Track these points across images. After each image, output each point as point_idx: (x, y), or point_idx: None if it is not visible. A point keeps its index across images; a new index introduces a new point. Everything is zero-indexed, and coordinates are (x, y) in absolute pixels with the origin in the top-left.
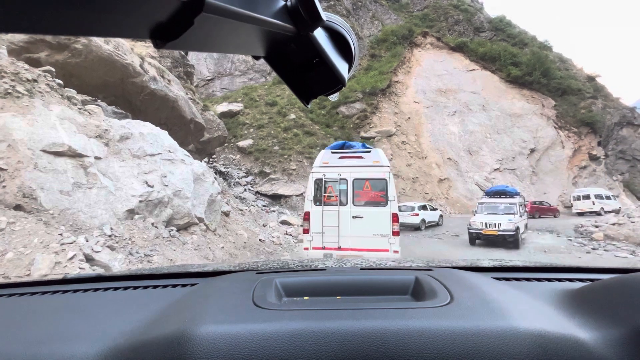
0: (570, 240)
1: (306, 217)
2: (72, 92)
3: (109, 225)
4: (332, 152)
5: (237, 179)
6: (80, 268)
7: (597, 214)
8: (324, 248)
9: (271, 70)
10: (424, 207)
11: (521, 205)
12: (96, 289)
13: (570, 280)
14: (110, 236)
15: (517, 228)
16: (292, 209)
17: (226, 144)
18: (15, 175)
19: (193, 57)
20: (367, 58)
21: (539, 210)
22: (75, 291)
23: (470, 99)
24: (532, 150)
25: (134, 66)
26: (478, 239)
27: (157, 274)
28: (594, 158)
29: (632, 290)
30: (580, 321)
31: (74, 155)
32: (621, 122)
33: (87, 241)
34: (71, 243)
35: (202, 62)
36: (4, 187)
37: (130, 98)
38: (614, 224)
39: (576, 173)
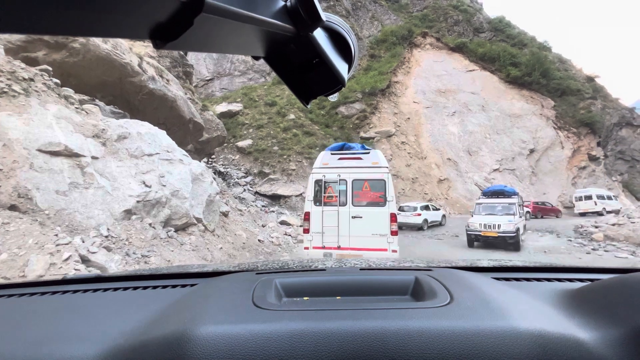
0: (570, 240)
1: (306, 217)
2: (69, 91)
3: (106, 225)
4: (332, 154)
5: (236, 179)
6: (75, 269)
7: (599, 214)
8: (324, 247)
9: (271, 71)
10: (426, 207)
11: (520, 206)
12: (96, 290)
13: (570, 280)
14: (106, 237)
15: (518, 229)
16: (292, 209)
17: (225, 144)
18: (10, 175)
19: (192, 57)
20: (366, 58)
21: (541, 210)
22: (74, 292)
23: (470, 99)
24: (532, 151)
25: (133, 65)
26: (477, 240)
27: (156, 275)
28: (593, 158)
29: (631, 290)
30: (580, 321)
31: (71, 155)
32: (620, 122)
33: (83, 242)
34: (67, 244)
35: (201, 62)
36: None
37: (129, 98)
38: (613, 225)
39: (575, 173)
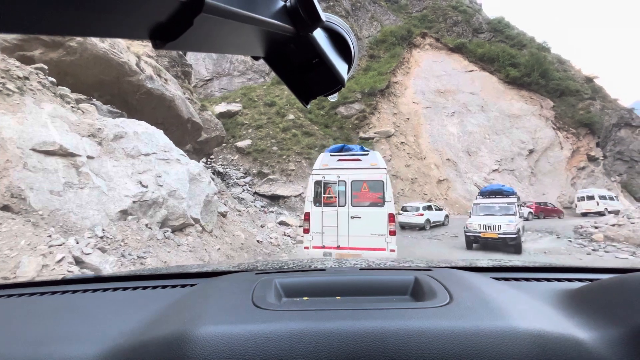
0: (570, 241)
1: (306, 217)
2: (65, 90)
3: (101, 226)
4: (331, 155)
5: (235, 180)
6: (68, 271)
7: (601, 214)
8: (323, 247)
9: (270, 71)
10: (429, 208)
11: (519, 206)
12: (95, 290)
13: (570, 280)
14: (102, 238)
15: (519, 230)
16: (291, 210)
17: (224, 145)
18: (3, 175)
19: (191, 57)
20: (366, 59)
21: (543, 211)
22: (74, 292)
23: (469, 99)
24: (531, 151)
25: (130, 65)
26: (476, 242)
27: (156, 275)
28: (592, 159)
29: (631, 290)
30: (579, 321)
31: (66, 154)
32: (619, 123)
33: (77, 243)
34: (60, 245)
35: (200, 62)
36: None
37: (127, 97)
38: (613, 225)
39: (574, 174)
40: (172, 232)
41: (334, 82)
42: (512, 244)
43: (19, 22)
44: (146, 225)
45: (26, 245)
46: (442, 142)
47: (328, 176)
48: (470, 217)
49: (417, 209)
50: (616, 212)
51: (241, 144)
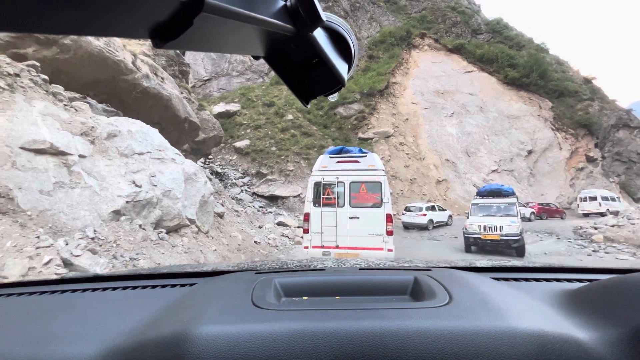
0: (570, 242)
1: (306, 217)
2: (58, 88)
3: (93, 227)
4: (331, 157)
5: (233, 180)
6: (56, 274)
7: (602, 215)
8: (322, 247)
9: (269, 71)
10: (432, 208)
11: (519, 206)
12: (95, 289)
13: (569, 280)
14: (93, 239)
15: (522, 232)
16: (290, 210)
17: (223, 145)
18: None
19: (190, 57)
20: (365, 59)
21: (546, 211)
22: (73, 291)
23: (468, 100)
24: (530, 152)
25: (126, 63)
26: (475, 244)
27: (155, 274)
28: (591, 160)
29: (630, 291)
30: (579, 321)
31: (56, 153)
32: (617, 124)
33: (66, 244)
34: (48, 246)
35: (199, 62)
36: None
37: (122, 96)
38: (613, 226)
39: (573, 175)
40: (167, 233)
41: (334, 82)
42: (514, 246)
43: (20, 21)
44: (140, 226)
45: (12, 247)
46: (441, 143)
47: (327, 177)
48: (468, 218)
49: (420, 209)
50: (615, 213)
51: (240, 144)
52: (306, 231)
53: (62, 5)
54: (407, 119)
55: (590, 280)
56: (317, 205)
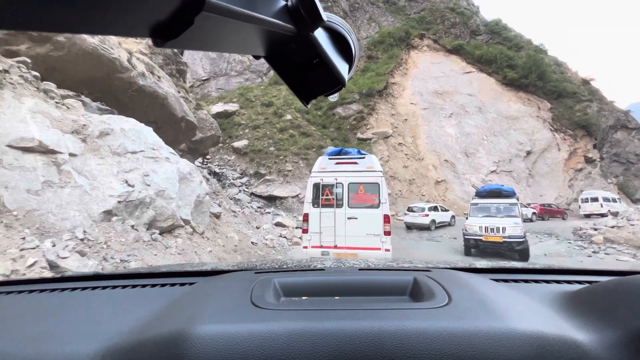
0: (570, 243)
1: (305, 218)
2: (50, 85)
3: (82, 228)
4: (330, 158)
5: (231, 180)
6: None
7: (603, 216)
8: (321, 247)
9: (267, 71)
10: (434, 208)
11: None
12: (94, 288)
13: (569, 282)
14: (82, 240)
15: (526, 233)
16: (288, 211)
17: (221, 145)
18: None
19: (188, 57)
20: (364, 59)
21: (548, 212)
22: (73, 289)
23: (467, 101)
24: (529, 153)
25: (121, 61)
26: (476, 247)
27: (155, 273)
28: (589, 161)
29: (630, 293)
30: (578, 323)
31: (46, 151)
32: (615, 125)
33: (53, 246)
34: (33, 248)
35: (197, 62)
36: None
37: (118, 94)
38: (612, 227)
39: (572, 175)
40: (160, 233)
41: (335, 82)
42: (518, 249)
43: (20, 20)
44: (132, 226)
45: None
46: (440, 143)
47: (326, 179)
48: (467, 219)
49: (423, 209)
50: (615, 214)
51: (238, 144)
52: (305, 231)
53: (63, 4)
54: (406, 120)
55: (590, 282)
56: (316, 206)
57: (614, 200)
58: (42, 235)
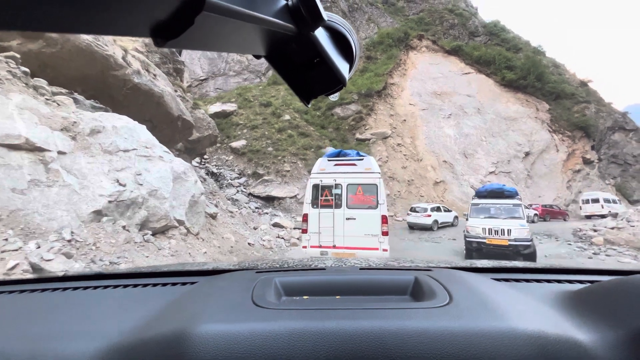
0: (570, 244)
1: (305, 218)
2: (41, 81)
3: (70, 228)
4: (329, 160)
5: (229, 181)
6: None
7: (604, 217)
8: (320, 246)
9: (266, 71)
10: (437, 209)
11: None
12: (96, 287)
13: (570, 281)
14: (69, 241)
15: (532, 236)
16: (286, 211)
17: (219, 145)
18: None
19: (187, 56)
20: (362, 60)
21: (549, 213)
22: (74, 289)
23: (466, 102)
24: (527, 154)
25: (116, 58)
26: (479, 250)
27: (156, 272)
28: (587, 162)
29: (631, 293)
30: (579, 323)
31: (33, 149)
32: (613, 126)
33: (37, 247)
34: (15, 250)
35: (195, 61)
36: None
37: (112, 92)
38: (612, 228)
39: (570, 177)
40: (153, 234)
41: (335, 82)
42: (524, 253)
43: (20, 20)
44: (123, 227)
45: None
46: (439, 144)
47: (325, 180)
48: (467, 220)
49: (425, 210)
50: (615, 215)
51: (236, 144)
52: (305, 231)
53: (63, 4)
54: (404, 120)
55: (591, 282)
56: (315, 206)
57: (614, 202)
58: (26, 236)
